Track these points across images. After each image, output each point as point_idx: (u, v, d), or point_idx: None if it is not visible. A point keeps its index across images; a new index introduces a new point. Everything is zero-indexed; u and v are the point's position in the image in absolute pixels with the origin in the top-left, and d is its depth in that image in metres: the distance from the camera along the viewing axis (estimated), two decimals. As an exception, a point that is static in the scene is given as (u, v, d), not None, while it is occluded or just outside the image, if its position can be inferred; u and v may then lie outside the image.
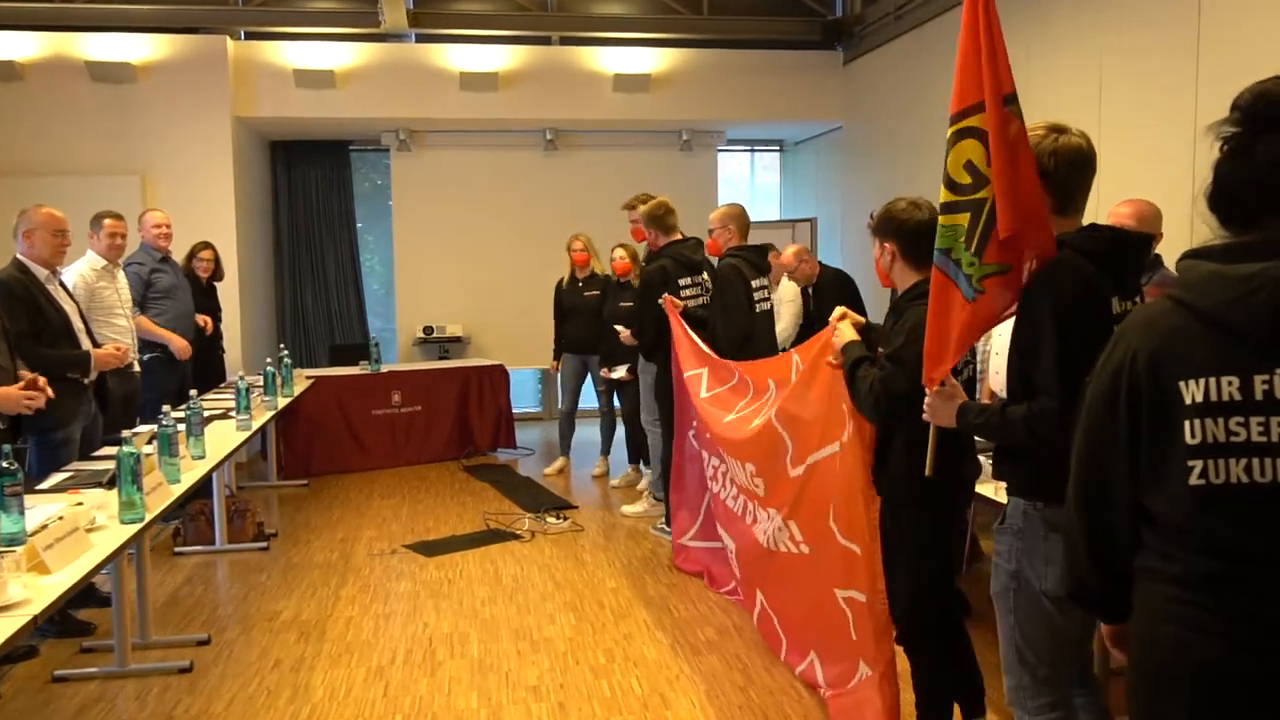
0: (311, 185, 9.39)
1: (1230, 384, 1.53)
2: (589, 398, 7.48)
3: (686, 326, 5.03)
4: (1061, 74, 5.80)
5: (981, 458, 3.27)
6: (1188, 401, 1.55)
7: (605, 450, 7.47)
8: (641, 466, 6.93)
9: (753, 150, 10.94)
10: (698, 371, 4.75)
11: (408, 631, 4.38)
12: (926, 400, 2.50)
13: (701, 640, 4.23)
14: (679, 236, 5.73)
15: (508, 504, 6.57)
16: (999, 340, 3.97)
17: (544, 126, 9.12)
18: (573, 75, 8.75)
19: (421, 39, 8.68)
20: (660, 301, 5.31)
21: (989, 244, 2.35)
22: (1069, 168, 2.37)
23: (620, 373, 6.71)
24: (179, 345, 6.04)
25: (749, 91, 8.98)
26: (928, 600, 3.01)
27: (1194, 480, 1.54)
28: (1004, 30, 2.37)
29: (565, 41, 8.83)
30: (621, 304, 6.70)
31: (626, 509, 6.39)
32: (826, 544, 3.51)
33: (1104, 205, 3.68)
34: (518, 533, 5.89)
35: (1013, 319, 2.63)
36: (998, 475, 2.46)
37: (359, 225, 9.68)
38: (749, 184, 11.06)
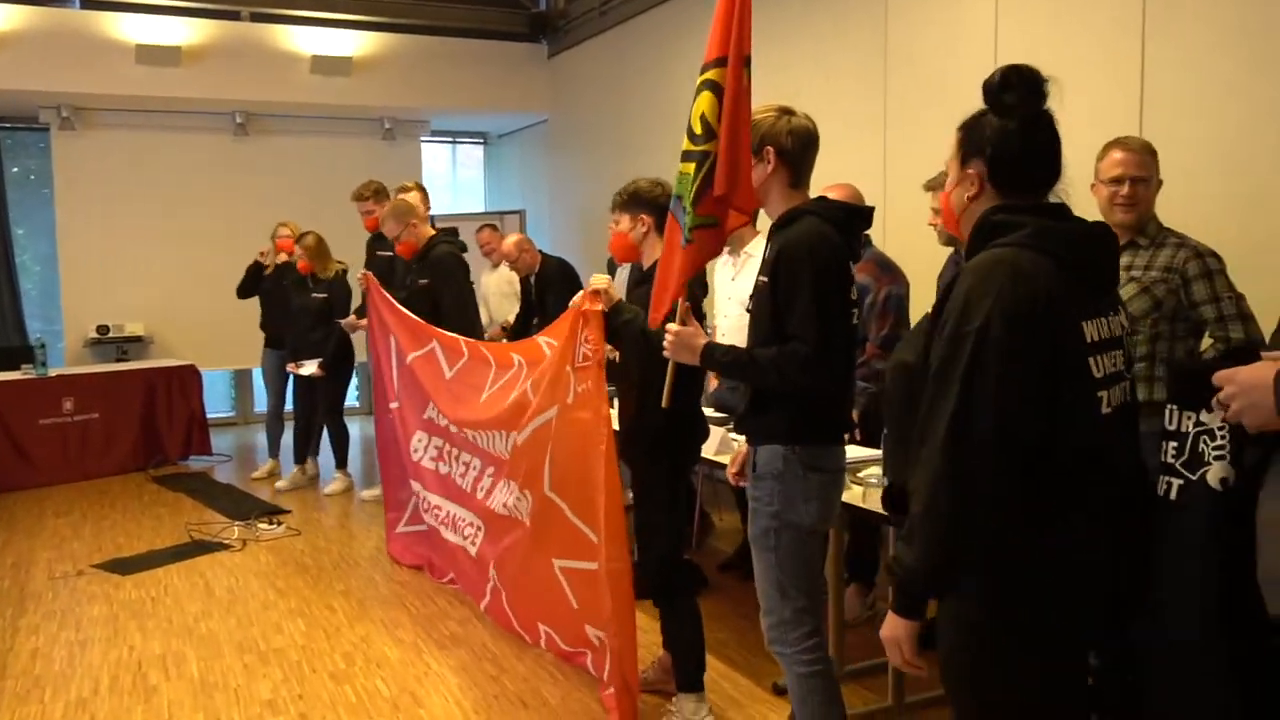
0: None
1: (1101, 323, 1.71)
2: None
3: (394, 301, 4.83)
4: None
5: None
6: (1088, 340, 1.69)
7: (274, 453, 7.06)
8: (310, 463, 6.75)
9: (455, 142, 10.77)
10: (427, 349, 4.54)
11: (110, 657, 3.90)
12: (667, 339, 2.60)
13: (445, 634, 4.08)
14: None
15: (210, 513, 6.03)
16: (726, 303, 4.15)
17: (233, 108, 8.49)
18: (266, 54, 8.18)
19: (88, 4, 7.78)
20: (360, 277, 5.13)
21: (704, 197, 2.47)
22: (803, 146, 2.57)
23: (310, 368, 6.39)
24: None
25: (454, 80, 8.82)
26: (679, 554, 3.21)
27: (1105, 409, 1.70)
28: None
29: (257, 18, 8.23)
30: (313, 294, 6.43)
31: (365, 494, 6.35)
32: (545, 513, 3.52)
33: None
34: (226, 542, 5.42)
35: (746, 277, 2.86)
36: (747, 429, 2.60)
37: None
38: (450, 177, 10.88)
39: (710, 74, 2.48)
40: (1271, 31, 3.43)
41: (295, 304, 6.54)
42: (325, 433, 6.70)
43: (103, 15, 7.67)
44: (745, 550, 4.29)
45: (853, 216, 2.58)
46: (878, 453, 3.46)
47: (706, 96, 2.47)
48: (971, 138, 1.81)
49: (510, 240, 6.44)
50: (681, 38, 6.97)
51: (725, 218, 2.53)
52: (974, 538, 1.63)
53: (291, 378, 6.73)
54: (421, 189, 6.01)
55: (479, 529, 4.21)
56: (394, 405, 4.83)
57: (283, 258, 6.82)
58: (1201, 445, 1.62)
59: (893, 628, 1.75)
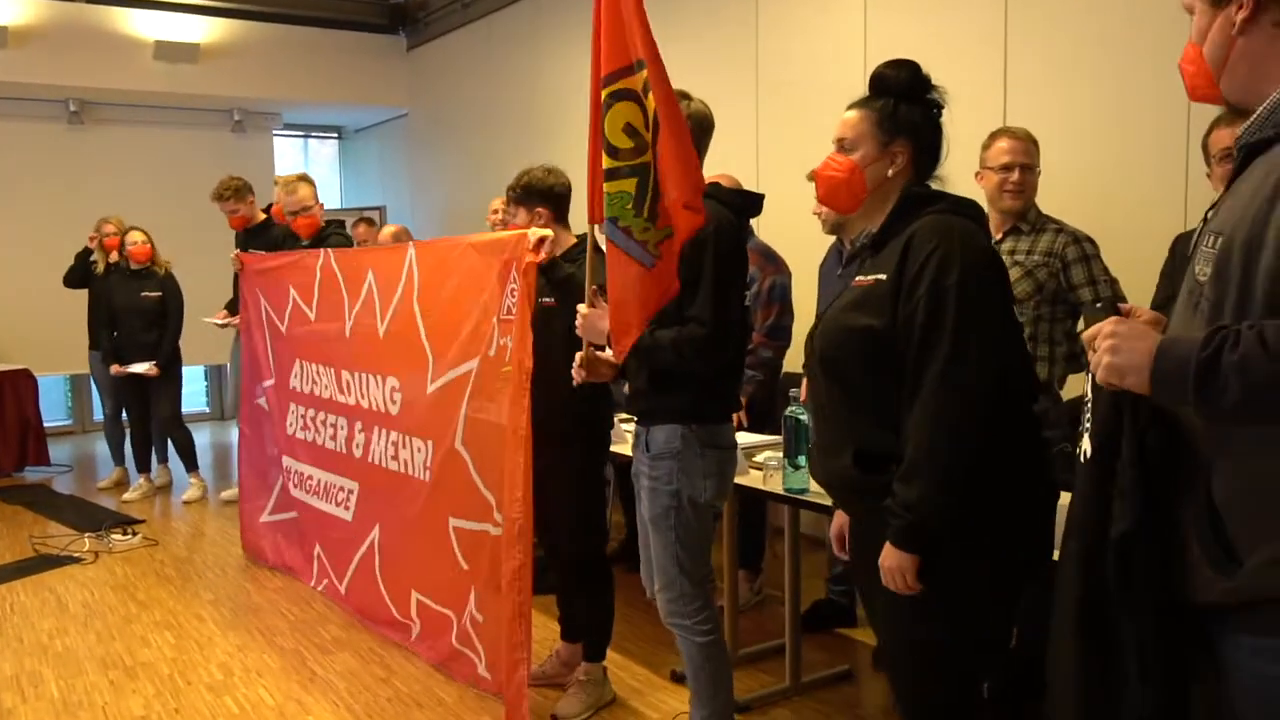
0: None
1: None
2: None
3: (265, 255, 4.83)
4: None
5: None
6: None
7: (119, 460, 6.68)
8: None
9: (308, 136, 10.41)
10: (289, 297, 4.44)
11: (-45, 681, 3.60)
12: (577, 321, 2.62)
13: (327, 639, 3.93)
14: None
15: (54, 526, 5.63)
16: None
17: (67, 95, 7.96)
18: (103, 38, 7.69)
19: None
20: (233, 257, 5.00)
21: (659, 208, 2.42)
22: (701, 131, 2.61)
23: (142, 368, 6.08)
24: None
25: (309, 71, 8.51)
26: (601, 531, 3.27)
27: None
28: None
29: (94, -1, 7.75)
30: (144, 294, 6.14)
31: (226, 494, 6.09)
32: (450, 466, 3.38)
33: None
34: (76, 555, 5.07)
35: None
36: (643, 408, 2.63)
37: None
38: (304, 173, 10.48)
39: (621, 84, 2.41)
40: (1131, 25, 3.66)
41: (120, 302, 6.17)
42: (168, 440, 6.37)
43: (-84, -10, 7.08)
44: (629, 543, 4.31)
45: (747, 204, 2.67)
46: (772, 438, 3.53)
47: (625, 106, 2.38)
48: (899, 120, 1.94)
49: (388, 231, 6.25)
50: (548, 32, 6.93)
51: (679, 225, 2.45)
52: (968, 476, 1.78)
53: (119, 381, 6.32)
54: (310, 181, 5.72)
55: (351, 492, 4.08)
56: (268, 384, 4.72)
57: (114, 256, 6.40)
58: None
59: (895, 558, 1.83)
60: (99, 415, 8.16)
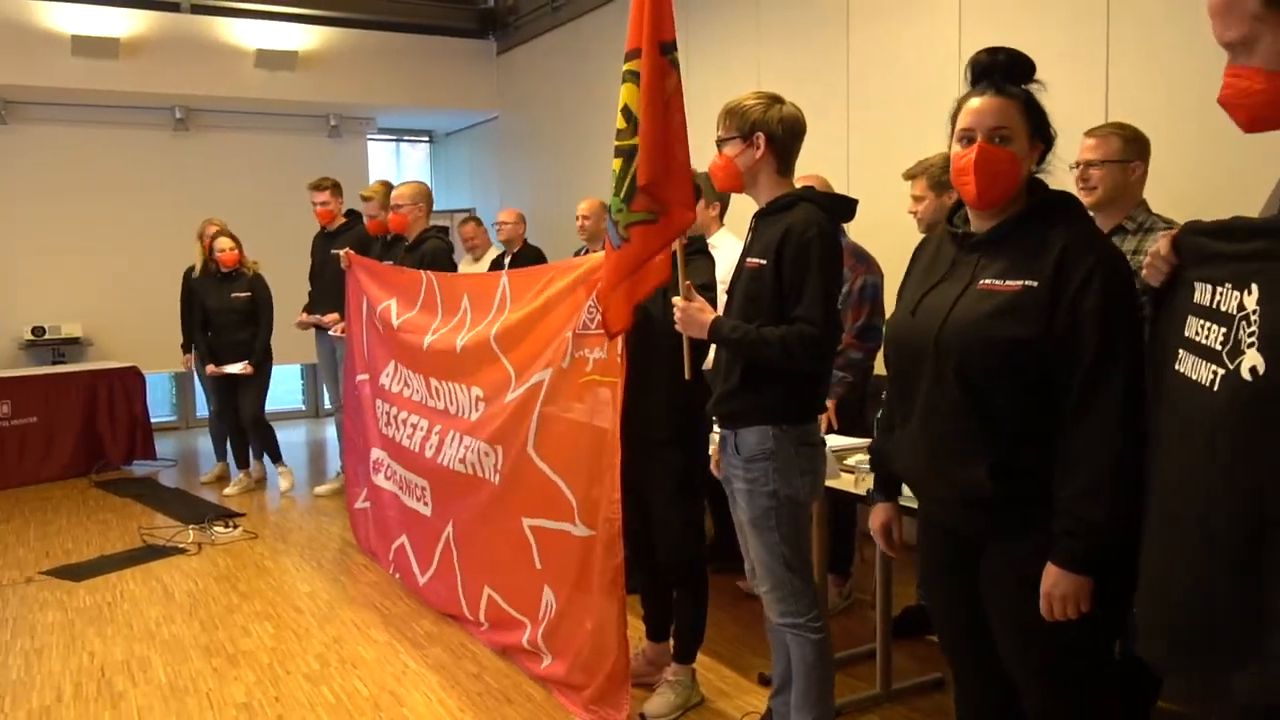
0: None
1: None
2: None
3: (371, 262, 5.04)
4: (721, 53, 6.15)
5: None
6: None
7: (220, 455, 6.85)
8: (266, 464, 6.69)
9: (400, 140, 10.63)
10: (388, 303, 4.64)
11: (70, 664, 3.75)
12: (676, 314, 2.64)
13: (420, 633, 4.00)
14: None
15: (161, 518, 5.85)
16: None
17: (173, 103, 8.26)
18: (207, 48, 7.97)
19: (21, -6, 7.51)
20: (344, 253, 5.14)
21: (637, 192, 2.43)
22: (792, 135, 2.61)
23: (237, 368, 6.29)
24: None
25: (402, 77, 8.69)
26: (701, 534, 3.23)
27: None
28: None
29: (198, 10, 8.02)
30: (234, 294, 6.35)
31: (320, 489, 6.37)
32: (523, 472, 3.48)
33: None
34: (182, 546, 5.26)
35: (727, 263, 2.87)
36: (731, 410, 2.62)
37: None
38: (396, 176, 10.71)
39: (629, 65, 2.46)
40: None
41: (213, 304, 6.40)
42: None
43: (38, 5, 7.40)
44: (720, 542, 4.30)
45: (842, 207, 2.67)
46: (862, 440, 3.48)
47: (627, 88, 2.45)
48: (1036, 112, 1.91)
49: (511, 211, 6.35)
50: (637, 34, 6.94)
51: (666, 213, 2.46)
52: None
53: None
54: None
55: (425, 489, 4.24)
56: (362, 378, 4.93)
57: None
58: (1240, 330, 1.36)
59: (1069, 583, 1.77)
60: (202, 411, 8.47)
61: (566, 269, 3.42)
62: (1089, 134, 3.00)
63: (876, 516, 2.28)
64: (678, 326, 2.64)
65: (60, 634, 4.06)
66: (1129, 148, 2.96)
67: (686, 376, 2.77)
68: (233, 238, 6.39)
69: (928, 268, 2.05)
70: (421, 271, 4.51)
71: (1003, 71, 1.90)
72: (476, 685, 3.51)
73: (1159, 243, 1.61)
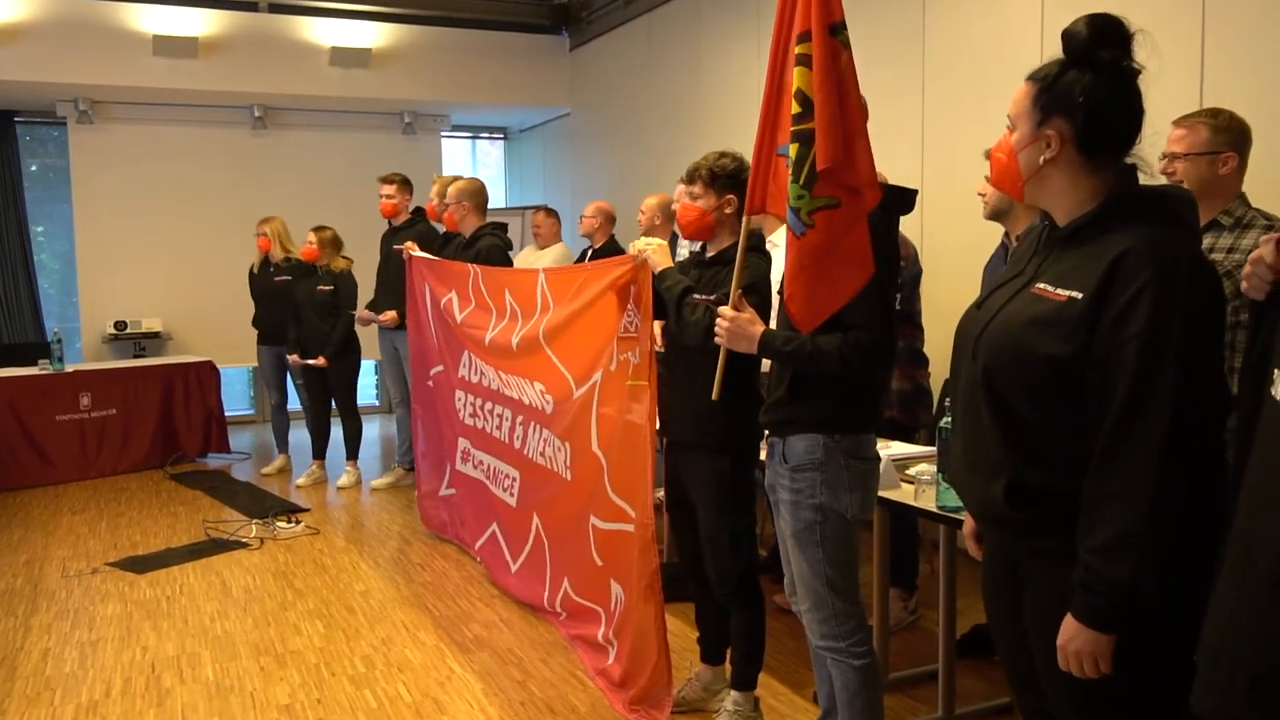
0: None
1: None
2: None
3: (430, 257, 5.08)
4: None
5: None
6: None
7: (319, 454, 6.79)
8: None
9: (475, 137, 10.63)
10: (449, 296, 4.69)
11: (123, 658, 3.77)
12: (721, 325, 2.47)
13: (469, 638, 3.93)
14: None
15: (228, 511, 5.91)
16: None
17: (252, 101, 8.38)
18: (284, 46, 8.06)
19: (102, -5, 7.68)
20: (406, 247, 5.15)
21: (818, 177, 2.28)
22: None
23: (316, 360, 6.39)
24: None
25: (474, 73, 8.67)
26: (753, 545, 3.03)
27: None
28: None
29: (275, 9, 8.11)
30: (319, 288, 6.40)
31: (376, 483, 6.44)
32: (588, 468, 3.48)
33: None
34: (244, 540, 5.29)
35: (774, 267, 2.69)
36: (780, 418, 2.47)
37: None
38: (470, 173, 10.73)
39: (799, 48, 2.32)
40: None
41: (300, 297, 6.48)
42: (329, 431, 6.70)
43: (120, 5, 7.56)
44: (774, 554, 4.13)
45: (900, 201, 2.50)
46: (925, 449, 3.30)
47: (798, 72, 2.30)
48: (1054, 94, 1.65)
49: (594, 204, 6.27)
50: (708, 28, 6.80)
51: (850, 197, 2.30)
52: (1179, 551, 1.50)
53: (289, 372, 6.74)
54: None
55: (515, 480, 4.24)
56: (437, 370, 4.97)
57: (277, 254, 6.76)
58: None
59: (1085, 640, 1.55)
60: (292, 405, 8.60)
61: (600, 273, 3.38)
62: (1177, 123, 2.77)
63: (968, 521, 2.10)
64: (719, 339, 2.47)
65: (117, 626, 4.09)
66: (1218, 138, 2.72)
67: (714, 396, 2.56)
68: (315, 232, 6.45)
69: (1015, 258, 1.85)
70: (468, 265, 4.51)
71: (1082, 44, 1.67)
72: (520, 693, 3.41)
73: (1261, 248, 1.40)
